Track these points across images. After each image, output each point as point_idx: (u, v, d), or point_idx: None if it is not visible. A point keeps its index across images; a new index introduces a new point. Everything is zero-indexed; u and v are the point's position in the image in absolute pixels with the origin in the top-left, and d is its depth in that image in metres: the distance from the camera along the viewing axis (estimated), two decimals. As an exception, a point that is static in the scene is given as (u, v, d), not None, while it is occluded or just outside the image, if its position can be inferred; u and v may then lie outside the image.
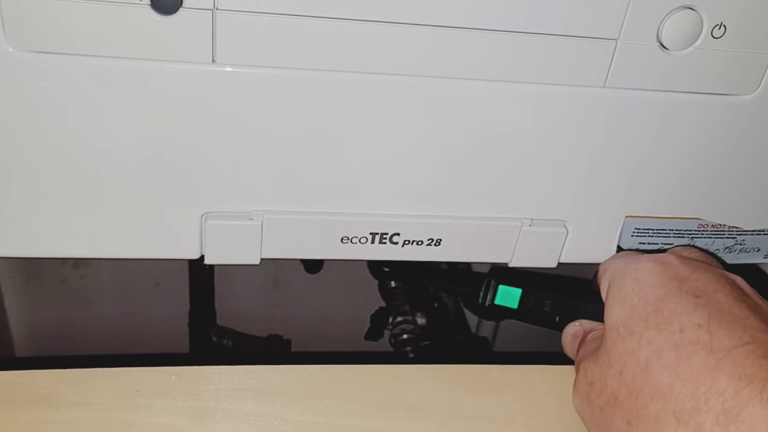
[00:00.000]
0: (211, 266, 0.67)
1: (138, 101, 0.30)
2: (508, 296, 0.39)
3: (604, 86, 0.32)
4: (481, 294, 0.39)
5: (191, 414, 0.32)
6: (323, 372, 0.35)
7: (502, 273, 0.39)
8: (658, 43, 0.31)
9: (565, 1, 0.29)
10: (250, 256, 0.34)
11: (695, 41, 0.31)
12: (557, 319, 0.37)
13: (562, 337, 0.36)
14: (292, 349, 0.71)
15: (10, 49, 0.28)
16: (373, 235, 0.35)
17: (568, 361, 0.37)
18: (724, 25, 0.30)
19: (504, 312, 0.39)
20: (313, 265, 0.70)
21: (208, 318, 0.69)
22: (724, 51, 0.31)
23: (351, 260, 0.70)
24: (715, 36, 0.31)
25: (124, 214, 0.32)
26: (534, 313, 0.38)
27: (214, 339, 0.70)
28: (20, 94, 0.29)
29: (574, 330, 0.36)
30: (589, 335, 0.35)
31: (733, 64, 0.32)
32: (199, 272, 0.67)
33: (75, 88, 0.29)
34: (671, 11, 0.30)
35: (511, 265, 0.37)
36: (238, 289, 0.72)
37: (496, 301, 0.39)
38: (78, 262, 0.68)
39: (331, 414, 0.33)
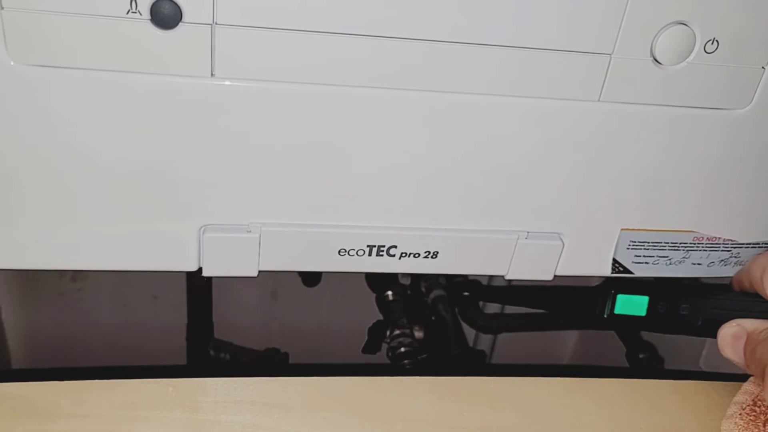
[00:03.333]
0: (209, 279, 0.67)
1: (137, 114, 0.30)
2: (631, 304, 0.38)
3: (598, 100, 0.32)
4: (598, 305, 0.38)
5: (188, 426, 0.32)
6: (321, 384, 0.35)
7: (618, 282, 0.38)
8: (651, 58, 0.31)
9: (560, 16, 0.30)
10: (248, 268, 0.35)
11: (688, 56, 0.31)
12: (699, 322, 0.36)
13: (720, 339, 0.35)
14: (290, 362, 0.71)
15: (12, 63, 0.28)
16: (371, 247, 0.35)
17: (565, 373, 0.37)
18: (717, 40, 0.31)
19: (627, 321, 0.38)
20: (311, 278, 0.70)
21: (205, 331, 0.69)
22: (717, 66, 0.32)
23: (349, 273, 0.71)
24: (708, 51, 0.31)
25: (122, 226, 0.33)
26: (668, 318, 0.37)
27: (212, 352, 0.69)
28: (21, 107, 0.29)
29: (733, 331, 0.34)
30: (762, 334, 0.33)
31: (727, 78, 0.32)
32: (197, 285, 0.67)
33: (75, 102, 0.29)
34: (665, 26, 0.30)
35: (507, 277, 0.37)
36: (236, 302, 0.73)
37: (616, 311, 0.38)
38: (75, 276, 0.68)
39: (329, 426, 0.33)
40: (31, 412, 0.32)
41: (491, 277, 0.67)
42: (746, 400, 0.36)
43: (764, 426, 0.34)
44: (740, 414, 0.35)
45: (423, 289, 0.67)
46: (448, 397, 0.36)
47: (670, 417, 0.37)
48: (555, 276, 0.38)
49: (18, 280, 0.67)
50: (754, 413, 0.35)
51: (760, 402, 0.35)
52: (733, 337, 0.34)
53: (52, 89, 0.29)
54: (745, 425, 0.35)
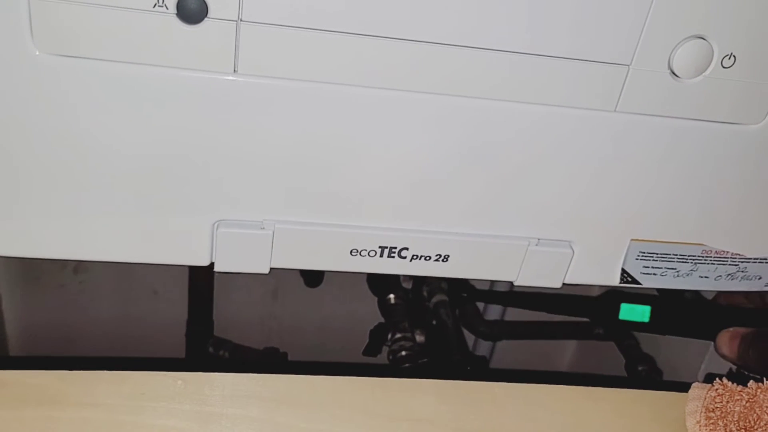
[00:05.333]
0: (211, 276, 0.67)
1: (158, 108, 0.30)
2: (634, 312, 0.46)
3: (615, 110, 0.32)
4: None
5: (197, 418, 0.32)
6: (329, 382, 0.35)
7: (620, 294, 0.47)
8: (669, 71, 0.31)
9: (580, 26, 0.30)
10: (259, 264, 0.35)
11: (705, 70, 0.32)
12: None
13: (718, 339, 0.45)
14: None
15: (37, 53, 0.28)
16: (382, 248, 0.35)
17: (570, 382, 0.37)
18: (734, 56, 0.31)
19: (631, 326, 0.48)
20: (313, 279, 0.70)
21: (205, 328, 0.69)
22: (732, 81, 0.32)
23: (350, 275, 0.71)
24: (724, 66, 0.31)
25: (137, 218, 0.33)
26: (670, 323, 0.47)
27: (211, 349, 0.69)
28: (44, 96, 0.29)
29: (730, 333, 0.44)
30: (750, 333, 0.43)
31: (742, 93, 0.32)
32: (199, 282, 0.67)
33: (97, 93, 0.29)
34: (683, 40, 0.31)
35: (516, 283, 0.37)
36: (237, 300, 0.73)
37: (621, 317, 0.46)
38: (78, 267, 0.68)
39: (336, 423, 0.33)
40: (39, 400, 0.32)
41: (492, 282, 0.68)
42: (698, 407, 0.36)
43: (725, 429, 0.35)
44: (698, 425, 0.36)
45: (425, 294, 0.67)
46: (454, 399, 0.36)
47: (673, 428, 0.37)
48: (563, 284, 0.38)
49: (19, 271, 0.67)
50: (711, 420, 0.35)
51: (711, 405, 0.36)
52: (730, 338, 0.44)
53: (75, 79, 0.29)
54: None
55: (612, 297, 0.48)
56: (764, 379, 0.36)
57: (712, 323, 0.46)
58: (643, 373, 0.62)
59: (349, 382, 0.35)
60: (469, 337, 0.70)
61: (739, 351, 0.44)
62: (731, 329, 0.45)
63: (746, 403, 0.35)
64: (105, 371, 0.34)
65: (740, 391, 0.36)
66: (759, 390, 0.36)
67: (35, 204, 0.32)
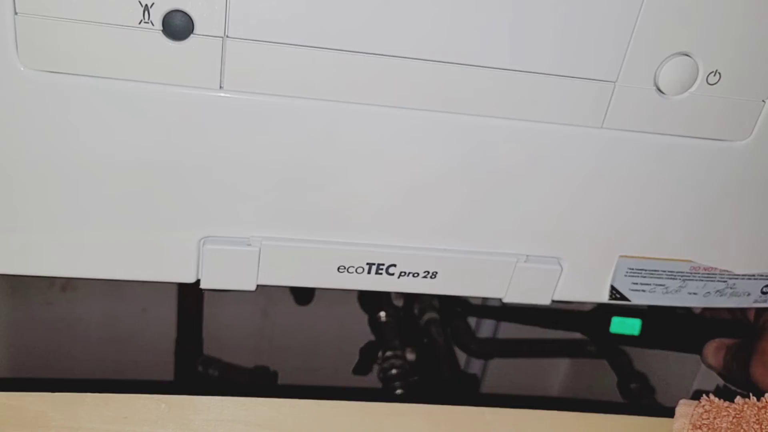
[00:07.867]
0: (200, 294, 0.67)
1: (144, 124, 0.30)
2: (624, 325, 0.47)
3: (601, 127, 0.32)
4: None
5: (180, 441, 0.31)
6: (314, 407, 0.35)
7: (612, 307, 0.48)
8: (655, 87, 0.31)
9: (567, 43, 0.30)
10: (246, 282, 0.34)
11: (691, 87, 0.32)
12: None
13: (705, 350, 0.46)
14: (279, 381, 0.70)
15: (22, 68, 0.28)
16: (370, 265, 0.35)
17: (561, 407, 0.37)
18: (719, 73, 0.31)
19: (622, 339, 0.48)
20: (303, 296, 0.70)
21: (194, 346, 0.68)
22: (718, 97, 0.32)
23: (341, 293, 0.70)
24: (710, 82, 0.32)
25: (123, 235, 0.32)
26: (660, 337, 0.48)
27: (200, 368, 0.69)
28: (28, 112, 0.29)
29: (716, 344, 0.45)
30: (735, 345, 0.44)
31: (727, 110, 0.32)
32: (188, 300, 0.67)
33: (82, 109, 0.29)
34: (668, 57, 0.31)
35: (505, 300, 0.37)
36: (226, 318, 0.72)
37: (611, 330, 0.47)
38: (66, 285, 0.68)
39: (322, 447, 0.33)
40: (20, 422, 0.31)
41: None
42: (685, 424, 0.36)
43: None
44: None
45: (416, 312, 0.66)
46: (444, 425, 0.35)
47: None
48: (552, 301, 0.38)
49: (7, 288, 0.66)
50: None
51: (698, 422, 0.36)
52: (716, 349, 0.45)
53: (60, 96, 0.29)
54: None
55: (603, 310, 0.48)
56: (750, 394, 0.36)
57: (699, 336, 0.47)
58: (635, 391, 0.62)
59: (336, 407, 0.35)
60: (461, 355, 0.70)
61: (724, 361, 0.45)
62: (717, 340, 0.46)
63: (733, 418, 0.35)
64: (88, 394, 0.33)
65: (727, 407, 0.36)
66: (745, 405, 0.35)
67: (21, 221, 0.32)
